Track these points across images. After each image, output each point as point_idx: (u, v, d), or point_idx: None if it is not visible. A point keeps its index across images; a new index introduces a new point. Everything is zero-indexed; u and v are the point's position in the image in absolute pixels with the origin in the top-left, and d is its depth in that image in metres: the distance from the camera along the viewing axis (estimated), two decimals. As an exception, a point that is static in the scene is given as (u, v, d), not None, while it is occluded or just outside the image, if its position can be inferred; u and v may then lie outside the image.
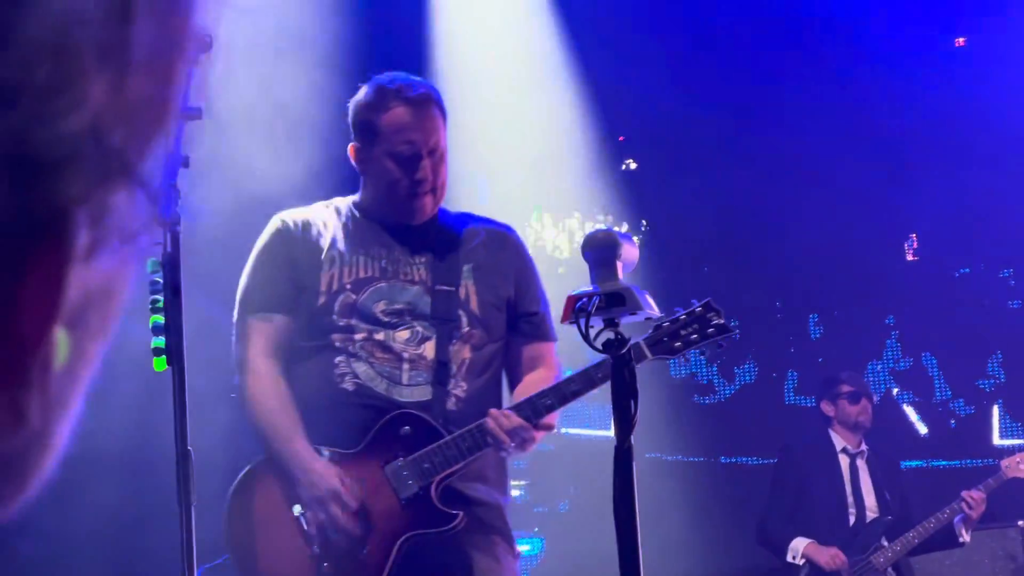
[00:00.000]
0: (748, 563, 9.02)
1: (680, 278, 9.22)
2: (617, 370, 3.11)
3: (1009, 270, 10.07)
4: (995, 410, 9.95)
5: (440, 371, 4.43)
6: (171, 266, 3.57)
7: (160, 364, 3.55)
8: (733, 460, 9.81)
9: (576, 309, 3.07)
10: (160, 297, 3.56)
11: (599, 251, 3.15)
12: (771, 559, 8.28)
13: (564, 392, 4.32)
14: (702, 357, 10.16)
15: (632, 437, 3.08)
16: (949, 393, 10.11)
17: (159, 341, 3.54)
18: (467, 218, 4.70)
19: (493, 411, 4.32)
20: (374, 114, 4.45)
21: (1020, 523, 8.61)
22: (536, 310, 4.60)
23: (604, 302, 3.07)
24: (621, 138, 10.25)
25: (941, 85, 9.62)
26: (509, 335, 4.59)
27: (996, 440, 9.86)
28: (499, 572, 4.46)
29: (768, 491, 8.44)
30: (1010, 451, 8.54)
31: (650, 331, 4.23)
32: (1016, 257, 9.95)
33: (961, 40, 9.99)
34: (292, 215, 4.60)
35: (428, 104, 4.44)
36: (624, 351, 3.13)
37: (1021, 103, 9.39)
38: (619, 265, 3.13)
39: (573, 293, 3.11)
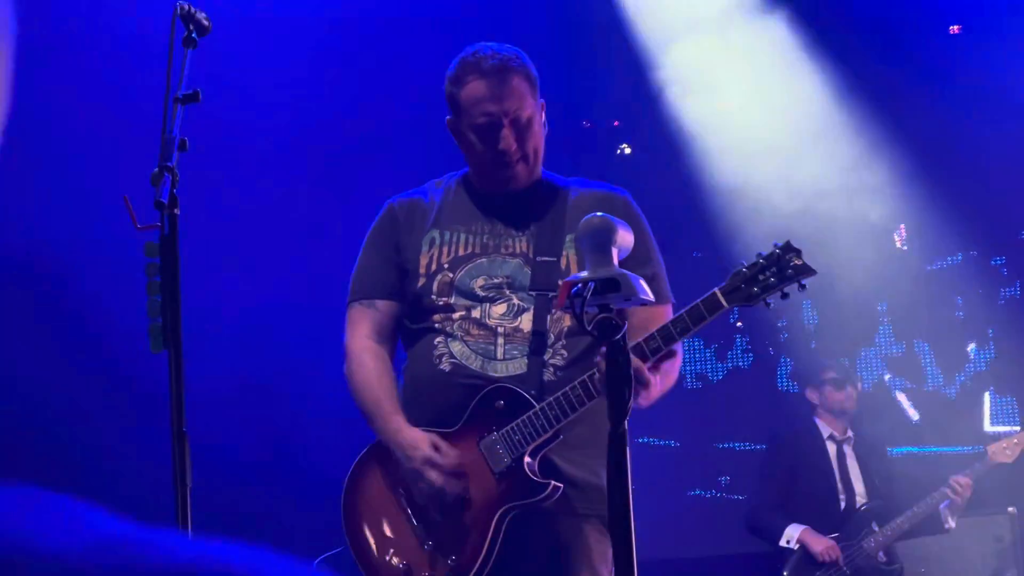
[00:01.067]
0: (739, 548, 9.06)
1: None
2: (611, 356, 3.13)
3: (1001, 258, 10.09)
4: (986, 397, 9.98)
5: (536, 342, 4.42)
6: (168, 248, 3.60)
7: (157, 346, 3.57)
8: (725, 446, 9.83)
9: (572, 295, 3.09)
10: (157, 279, 3.59)
11: (594, 236, 3.16)
12: (761, 544, 8.31)
13: (671, 330, 4.19)
14: (699, 340, 10.18)
15: (626, 423, 3.10)
16: (941, 380, 10.13)
17: (156, 323, 3.57)
18: (576, 183, 4.70)
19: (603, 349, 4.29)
20: (456, 88, 4.50)
21: (1010, 509, 8.65)
22: (644, 272, 4.28)
23: (599, 288, 3.08)
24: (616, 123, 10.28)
25: (931, 70, 9.62)
26: None
27: (987, 427, 9.89)
28: (591, 556, 4.44)
29: (758, 479, 8.48)
30: (999, 437, 8.55)
31: (727, 278, 4.15)
32: (1008, 245, 9.97)
33: (956, 28, 9.99)
34: (400, 198, 4.69)
35: (505, 72, 4.44)
36: (618, 337, 3.14)
37: (1012, 89, 9.40)
38: (614, 251, 3.15)
39: (568, 279, 3.13)
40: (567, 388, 4.28)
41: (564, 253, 4.50)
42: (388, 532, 4.47)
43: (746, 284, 4.12)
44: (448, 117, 4.57)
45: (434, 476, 4.34)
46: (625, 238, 3.22)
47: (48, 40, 7.75)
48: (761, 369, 10.25)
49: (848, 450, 8.41)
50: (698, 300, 4.12)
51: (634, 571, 3.07)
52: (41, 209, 8.04)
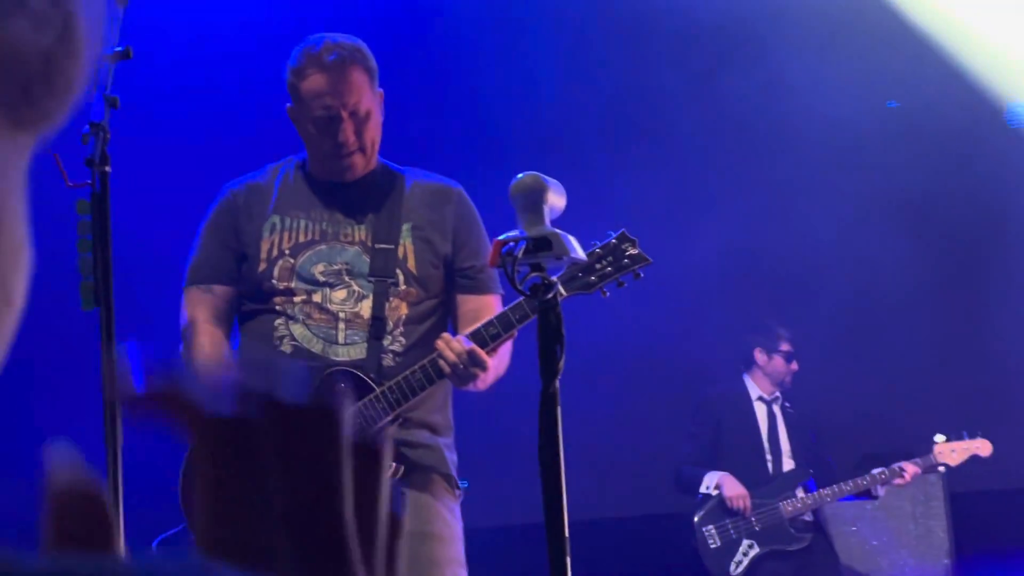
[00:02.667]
0: (668, 508, 9.09)
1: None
2: (543, 315, 3.14)
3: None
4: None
5: (376, 328, 4.51)
6: (100, 206, 3.58)
7: (88, 304, 3.56)
8: (653, 410, 9.84)
9: (503, 253, 3.09)
10: (89, 237, 3.57)
11: (526, 196, 3.16)
12: (690, 504, 8.35)
13: (510, 318, 4.35)
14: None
15: (557, 382, 3.11)
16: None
17: (88, 281, 3.55)
18: (410, 174, 4.78)
19: (444, 334, 4.40)
20: (297, 79, 4.57)
21: (940, 469, 8.74)
22: (473, 264, 4.65)
23: (531, 246, 3.09)
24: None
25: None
26: (449, 291, 4.67)
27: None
28: (436, 509, 4.54)
29: (685, 438, 8.51)
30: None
31: (564, 267, 4.25)
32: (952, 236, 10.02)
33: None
34: (239, 184, 4.74)
35: (344, 67, 4.51)
36: (550, 295, 3.15)
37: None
38: (546, 210, 3.15)
39: (500, 238, 3.13)
40: (407, 372, 4.39)
41: (401, 241, 4.61)
42: None
43: (583, 273, 4.25)
44: (289, 105, 4.63)
45: None
46: (557, 198, 3.22)
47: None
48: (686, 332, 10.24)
49: (777, 410, 8.46)
50: None
51: (565, 534, 3.08)
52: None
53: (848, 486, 8.12)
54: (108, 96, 3.68)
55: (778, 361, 8.48)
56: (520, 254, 3.08)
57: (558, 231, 3.12)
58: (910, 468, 8.12)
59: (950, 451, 8.23)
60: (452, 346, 4.32)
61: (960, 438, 8.29)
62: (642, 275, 4.29)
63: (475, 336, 4.35)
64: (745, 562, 8.01)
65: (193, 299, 4.65)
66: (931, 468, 8.23)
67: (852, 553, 8.65)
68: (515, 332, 4.41)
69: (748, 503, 8.02)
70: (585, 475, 8.36)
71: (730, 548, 8.03)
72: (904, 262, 9.59)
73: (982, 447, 8.28)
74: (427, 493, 4.55)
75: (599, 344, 8.95)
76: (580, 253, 3.19)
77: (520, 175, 3.20)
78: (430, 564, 4.45)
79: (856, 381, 9.59)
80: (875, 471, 8.14)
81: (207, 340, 4.57)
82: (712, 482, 8.13)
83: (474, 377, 4.37)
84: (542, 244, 3.09)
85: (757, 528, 8.04)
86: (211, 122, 8.79)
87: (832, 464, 8.35)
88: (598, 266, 4.24)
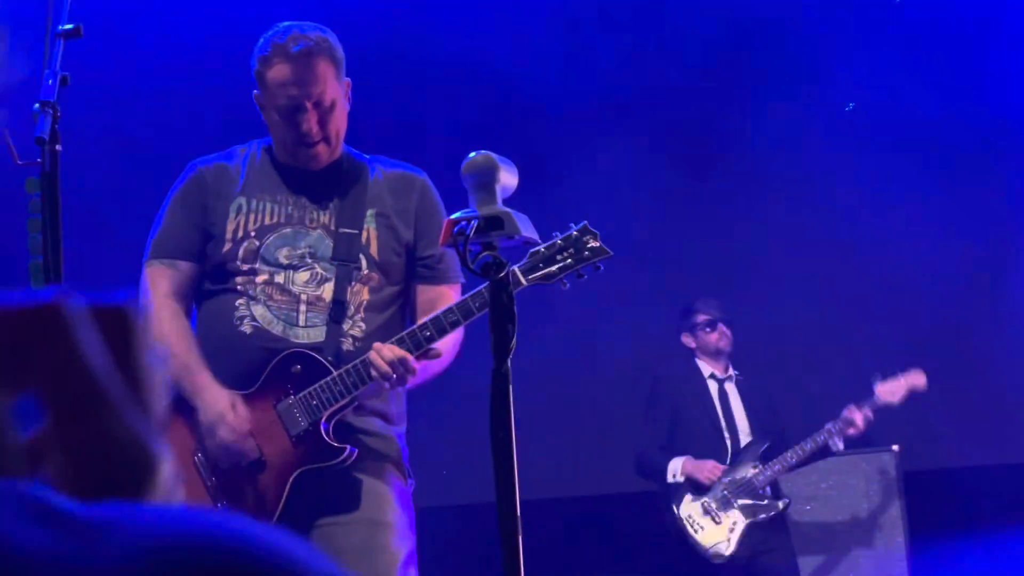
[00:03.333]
0: (625, 488, 9.12)
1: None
2: (495, 294, 3.13)
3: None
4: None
5: (336, 312, 4.53)
6: (50, 184, 3.57)
7: (38, 283, 3.54)
8: (609, 392, 9.85)
9: (454, 232, 3.08)
10: (39, 216, 3.55)
11: (478, 175, 3.15)
12: (647, 484, 8.37)
13: (443, 323, 4.39)
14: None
15: (509, 361, 3.10)
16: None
17: (37, 260, 3.53)
18: (376, 161, 4.80)
19: (376, 343, 4.39)
20: (263, 68, 4.57)
21: (894, 447, 8.78)
22: (433, 253, 4.69)
23: (483, 225, 3.08)
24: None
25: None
26: (409, 279, 4.70)
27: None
28: (388, 496, 4.55)
29: (642, 421, 8.52)
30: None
31: (526, 258, 4.30)
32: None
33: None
34: (207, 162, 4.74)
35: (310, 57, 4.51)
36: (502, 275, 3.15)
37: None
38: (498, 189, 3.14)
39: (452, 216, 3.12)
40: (365, 357, 4.39)
41: (365, 227, 4.63)
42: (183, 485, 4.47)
43: (544, 264, 4.28)
44: (255, 92, 4.63)
45: (227, 436, 4.41)
46: (509, 177, 3.21)
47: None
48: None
49: (731, 387, 8.48)
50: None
51: (517, 514, 3.07)
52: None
53: (808, 445, 8.15)
54: (58, 74, 3.66)
55: (702, 335, 8.50)
56: (472, 233, 3.07)
57: (510, 210, 3.11)
58: (858, 414, 8.14)
59: (890, 391, 8.27)
60: (383, 354, 4.34)
61: (893, 375, 8.33)
62: (601, 268, 4.31)
63: (435, 323, 4.38)
64: (734, 539, 8.03)
65: (155, 273, 4.64)
66: (877, 409, 8.24)
67: (808, 531, 8.68)
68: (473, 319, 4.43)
69: (717, 471, 8.04)
70: (540, 454, 8.40)
71: (716, 530, 8.05)
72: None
73: (916, 379, 8.32)
74: (379, 481, 4.56)
75: (556, 328, 8.97)
76: (534, 234, 3.19)
77: (472, 154, 3.19)
78: (381, 551, 4.45)
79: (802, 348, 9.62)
80: (827, 425, 8.18)
81: (167, 315, 4.56)
82: (677, 469, 8.14)
83: (403, 384, 4.41)
84: (494, 223, 3.09)
85: (735, 504, 8.07)
86: (165, 101, 8.74)
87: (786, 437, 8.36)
88: (559, 257, 4.27)
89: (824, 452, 8.23)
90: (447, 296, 4.64)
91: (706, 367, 8.50)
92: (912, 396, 8.31)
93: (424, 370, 4.47)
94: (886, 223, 9.65)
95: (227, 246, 4.58)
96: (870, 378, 8.35)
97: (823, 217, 9.77)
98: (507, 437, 3.08)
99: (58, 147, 3.60)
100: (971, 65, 9.61)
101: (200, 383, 4.46)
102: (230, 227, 4.60)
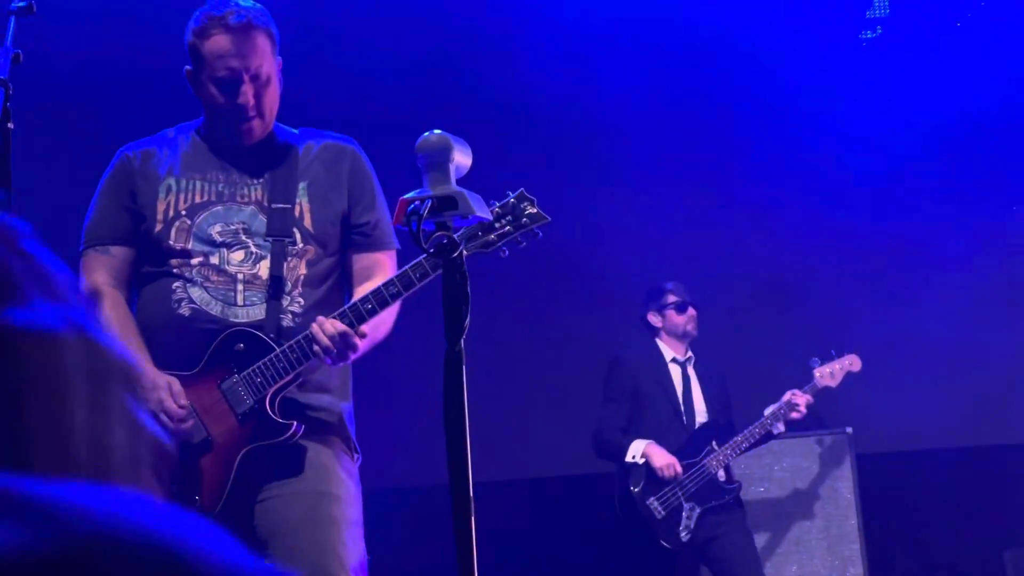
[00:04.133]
0: (580, 470, 9.13)
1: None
2: (448, 274, 3.13)
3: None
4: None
5: (274, 289, 4.52)
6: (1, 163, 3.54)
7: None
8: (565, 371, 9.86)
9: (408, 212, 3.08)
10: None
11: (432, 154, 3.14)
12: (604, 465, 8.37)
13: (384, 295, 4.38)
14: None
15: (462, 341, 3.10)
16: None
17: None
18: (305, 135, 4.79)
19: (319, 318, 4.39)
20: (199, 40, 4.53)
21: (848, 430, 8.83)
22: (367, 220, 4.69)
23: (436, 205, 3.08)
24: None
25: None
26: (345, 248, 4.69)
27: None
28: (335, 470, 4.54)
29: (600, 402, 8.51)
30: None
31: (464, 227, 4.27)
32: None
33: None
34: (135, 147, 4.72)
35: (250, 29, 4.49)
36: (456, 255, 3.14)
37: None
38: (452, 168, 3.14)
39: (405, 196, 3.12)
40: (307, 332, 4.39)
41: (298, 200, 4.62)
42: None
43: (483, 232, 4.23)
44: (187, 67, 4.61)
45: (166, 422, 4.40)
46: (463, 158, 3.20)
47: None
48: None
49: (691, 371, 8.49)
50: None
51: (470, 495, 3.07)
52: None
53: (757, 429, 8.17)
54: (11, 51, 3.64)
55: (671, 315, 8.48)
56: (425, 213, 3.06)
57: (463, 190, 3.11)
58: (799, 397, 8.18)
59: (828, 373, 8.34)
60: (325, 329, 4.34)
61: (830, 358, 8.39)
62: (540, 234, 4.28)
63: (376, 296, 4.38)
64: (692, 525, 8.05)
65: (91, 262, 4.64)
66: (817, 393, 8.28)
67: (762, 512, 8.71)
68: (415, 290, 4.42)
69: (679, 469, 8.05)
70: (491, 436, 8.40)
71: (675, 515, 8.06)
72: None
73: (853, 362, 8.40)
74: (325, 454, 4.55)
75: (510, 306, 8.97)
76: (486, 212, 3.18)
77: (426, 133, 3.18)
78: (328, 523, 4.44)
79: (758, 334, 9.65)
80: (768, 410, 8.21)
81: (108, 304, 4.55)
82: (638, 451, 8.13)
83: (345, 359, 4.41)
84: (447, 203, 3.08)
85: (693, 489, 8.08)
86: (116, 78, 8.69)
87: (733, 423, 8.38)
88: (497, 225, 4.23)
89: (767, 436, 8.27)
90: (383, 263, 4.66)
91: (668, 349, 8.48)
92: (854, 378, 8.37)
93: (366, 343, 4.46)
94: (833, 207, 9.69)
95: (159, 227, 4.56)
96: (809, 362, 8.39)
97: (765, 198, 9.78)
98: (460, 419, 3.08)
99: (10, 125, 3.58)
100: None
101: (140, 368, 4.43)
102: (160, 208, 4.58)
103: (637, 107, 9.59)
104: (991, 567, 9.10)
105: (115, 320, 4.52)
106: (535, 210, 4.25)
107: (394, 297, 4.38)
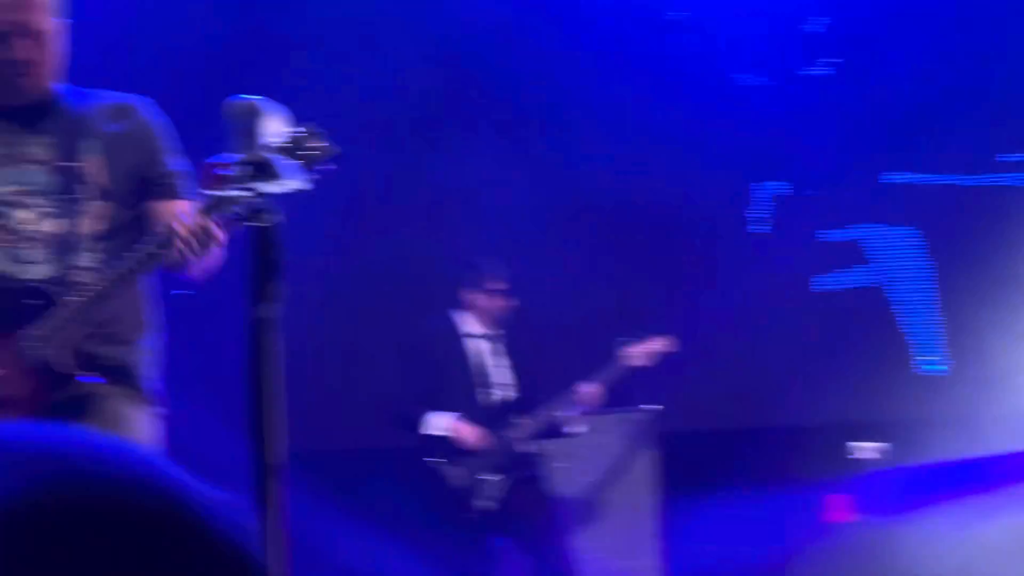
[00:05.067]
0: (380, 441, 9.07)
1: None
2: (258, 241, 3.07)
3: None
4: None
5: (63, 246, 4.47)
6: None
7: None
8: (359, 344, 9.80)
9: (214, 176, 3.02)
10: None
11: (242, 119, 3.09)
12: (402, 439, 8.32)
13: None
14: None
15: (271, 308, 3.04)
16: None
17: None
18: (94, 94, 4.73)
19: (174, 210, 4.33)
20: None
21: (652, 407, 8.90)
22: (162, 171, 4.64)
23: (245, 171, 3.02)
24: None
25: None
26: (142, 202, 4.63)
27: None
28: (131, 420, 4.53)
29: (398, 375, 8.46)
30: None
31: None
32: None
33: None
34: None
35: None
36: (268, 224, 3.08)
37: None
38: (263, 134, 3.08)
39: (210, 160, 3.05)
40: (95, 281, 4.37)
41: (87, 157, 4.57)
42: None
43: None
44: None
45: None
46: (276, 123, 3.15)
47: None
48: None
49: (491, 345, 8.45)
50: None
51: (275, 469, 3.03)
52: None
53: (556, 407, 8.21)
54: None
55: (490, 299, 8.44)
56: (234, 177, 3.00)
57: (273, 156, 3.05)
58: (585, 390, 8.23)
59: (636, 354, 8.35)
60: (187, 219, 4.17)
61: (639, 339, 8.40)
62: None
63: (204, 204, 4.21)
64: (496, 496, 8.06)
65: None
66: (616, 375, 8.31)
67: (563, 487, 8.75)
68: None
69: (484, 442, 8.05)
70: (304, 407, 8.32)
71: (478, 486, 8.06)
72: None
73: (660, 343, 8.42)
74: (121, 405, 4.53)
75: (321, 273, 8.90)
76: (296, 179, 3.13)
77: (235, 98, 3.12)
78: None
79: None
80: (561, 397, 8.25)
81: None
82: (440, 424, 8.11)
83: (206, 254, 4.24)
84: (258, 169, 3.02)
85: (497, 461, 8.08)
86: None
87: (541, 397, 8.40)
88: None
89: (562, 432, 8.33)
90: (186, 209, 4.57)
91: (475, 325, 8.45)
92: (660, 357, 8.40)
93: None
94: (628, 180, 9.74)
95: None
96: (614, 343, 8.41)
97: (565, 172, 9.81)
98: (269, 387, 3.03)
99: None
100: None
101: None
102: None
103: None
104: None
105: None
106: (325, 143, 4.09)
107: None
